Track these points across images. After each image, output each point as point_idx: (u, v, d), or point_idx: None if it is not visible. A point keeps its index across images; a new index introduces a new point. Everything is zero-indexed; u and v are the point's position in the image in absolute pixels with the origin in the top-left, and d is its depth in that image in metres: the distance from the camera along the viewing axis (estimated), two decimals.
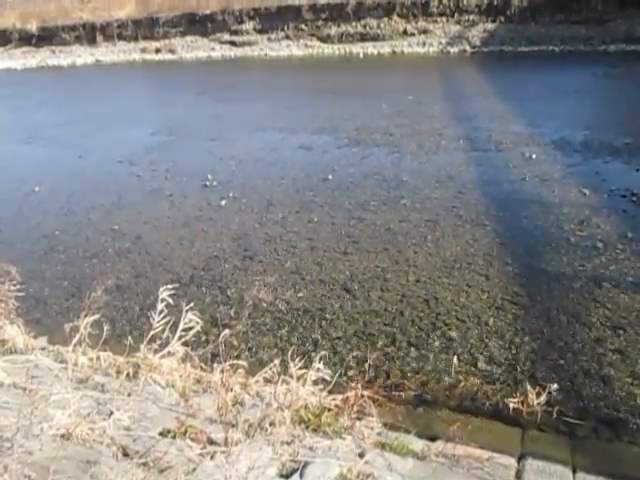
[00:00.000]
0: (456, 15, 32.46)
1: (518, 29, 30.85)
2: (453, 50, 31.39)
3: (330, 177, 10.87)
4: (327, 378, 4.07)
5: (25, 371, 4.10)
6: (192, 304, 4.52)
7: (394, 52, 32.63)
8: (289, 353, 4.33)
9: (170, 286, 4.51)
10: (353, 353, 5.23)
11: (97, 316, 4.79)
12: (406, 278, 6.83)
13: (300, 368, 4.07)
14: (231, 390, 4.13)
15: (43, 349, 5.36)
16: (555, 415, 4.27)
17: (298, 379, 4.01)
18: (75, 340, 4.56)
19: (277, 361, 4.25)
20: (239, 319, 5.75)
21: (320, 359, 4.11)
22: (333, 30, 34.64)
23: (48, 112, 21.34)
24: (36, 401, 3.29)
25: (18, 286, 5.50)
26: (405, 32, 33.20)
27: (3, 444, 2.90)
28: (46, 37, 40.08)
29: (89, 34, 39.22)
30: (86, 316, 4.64)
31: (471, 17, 32.11)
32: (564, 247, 7.33)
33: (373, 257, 7.45)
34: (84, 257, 8.12)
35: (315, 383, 4.08)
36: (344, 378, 4.76)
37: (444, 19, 32.76)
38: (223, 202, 9.90)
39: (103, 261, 7.93)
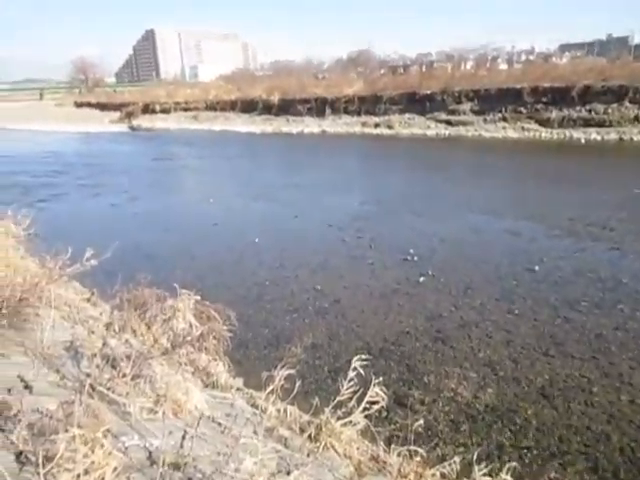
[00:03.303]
0: None
1: None
2: None
3: (537, 268, 10.26)
4: None
5: (222, 408, 4.51)
6: (380, 377, 4.55)
7: (621, 139, 30.10)
8: (473, 453, 4.07)
9: (363, 356, 4.61)
10: (546, 472, 4.71)
11: (292, 370, 5.05)
12: (617, 396, 6.02)
13: (484, 474, 3.79)
14: (406, 478, 4.01)
15: (239, 390, 5.83)
16: None
17: None
18: (269, 389, 4.89)
19: (457, 458, 4.02)
20: (424, 404, 5.62)
21: (508, 470, 3.78)
22: (554, 114, 33.39)
23: (274, 173, 24.04)
24: (230, 442, 3.57)
25: (229, 326, 6.12)
26: (636, 118, 30.54)
27: (196, 474, 3.19)
28: (284, 107, 45.73)
29: (319, 107, 43.68)
30: (282, 368, 4.95)
31: None
32: None
33: (578, 364, 6.74)
34: (287, 310, 8.79)
35: None
36: None
37: None
38: (421, 279, 9.95)
39: (303, 317, 8.48)
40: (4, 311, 4.18)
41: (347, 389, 4.46)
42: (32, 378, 3.50)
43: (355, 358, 4.55)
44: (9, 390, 3.20)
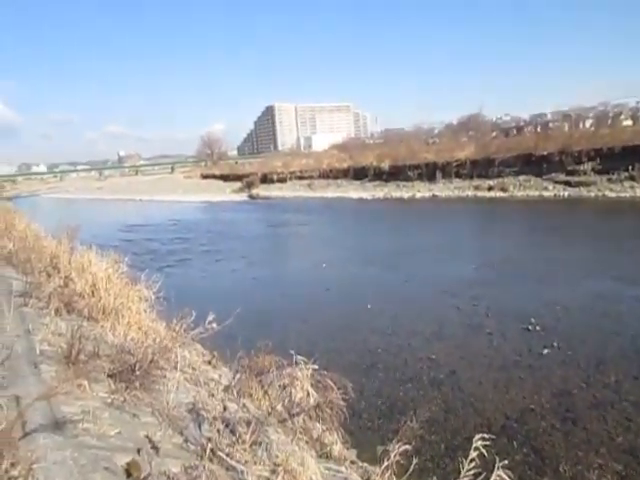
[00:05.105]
0: None
1: None
2: None
3: None
4: None
5: None
6: (503, 458, 4.21)
7: None
8: None
9: (485, 435, 4.32)
10: None
11: (407, 446, 4.83)
12: None
13: None
14: None
15: (353, 463, 5.67)
16: None
17: None
18: (384, 465, 4.70)
19: None
20: None
21: None
22: None
23: (385, 238, 24.14)
24: None
25: (342, 395, 6.04)
26: None
27: None
28: (394, 173, 46.48)
29: (430, 171, 43.82)
30: (397, 442, 4.76)
31: None
32: None
33: None
34: (400, 380, 8.55)
35: None
36: None
37: None
38: (545, 350, 9.27)
39: (417, 388, 8.19)
40: (137, 372, 4.49)
41: (468, 470, 4.19)
42: (159, 439, 3.68)
43: (476, 437, 4.29)
44: (139, 450, 3.39)
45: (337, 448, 5.56)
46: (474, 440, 4.24)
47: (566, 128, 50.66)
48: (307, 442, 5.37)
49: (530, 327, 10.51)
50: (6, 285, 6.55)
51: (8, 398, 3.29)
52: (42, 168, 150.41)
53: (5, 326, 4.56)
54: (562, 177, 36.46)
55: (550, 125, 60.50)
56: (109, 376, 4.38)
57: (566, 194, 35.09)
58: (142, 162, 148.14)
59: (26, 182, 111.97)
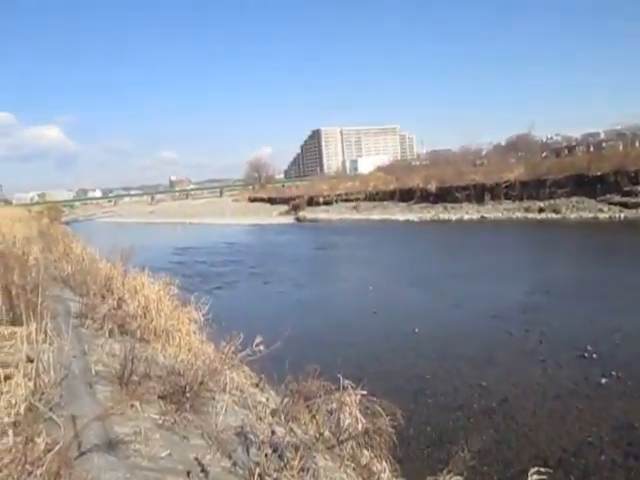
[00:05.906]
0: None
1: None
2: None
3: None
4: None
5: None
6: None
7: None
8: None
9: (541, 469, 4.15)
10: None
11: (458, 477, 4.69)
12: None
13: None
14: None
15: None
16: None
17: None
18: None
19: None
20: None
21: None
22: None
23: (433, 261, 23.83)
24: None
25: (390, 422, 5.93)
26: None
27: None
28: (441, 195, 46.01)
29: (478, 193, 43.13)
30: (448, 473, 4.62)
31: None
32: None
33: None
34: (449, 407, 8.33)
35: None
36: None
37: None
38: (603, 380, 8.85)
39: (467, 416, 7.95)
40: (187, 394, 4.55)
41: None
42: (208, 462, 3.70)
43: (532, 470, 4.15)
44: (188, 473, 3.42)
45: (385, 477, 5.45)
46: (529, 473, 4.11)
47: (621, 147, 49.03)
48: (355, 469, 5.28)
49: (586, 354, 10.07)
50: (64, 306, 6.81)
51: (65, 418, 3.40)
52: (97, 193, 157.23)
53: (64, 347, 4.73)
54: (618, 198, 35.19)
55: (604, 145, 58.73)
56: (160, 397, 4.45)
57: (622, 216, 33.79)
58: (192, 186, 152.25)
59: (83, 207, 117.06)
